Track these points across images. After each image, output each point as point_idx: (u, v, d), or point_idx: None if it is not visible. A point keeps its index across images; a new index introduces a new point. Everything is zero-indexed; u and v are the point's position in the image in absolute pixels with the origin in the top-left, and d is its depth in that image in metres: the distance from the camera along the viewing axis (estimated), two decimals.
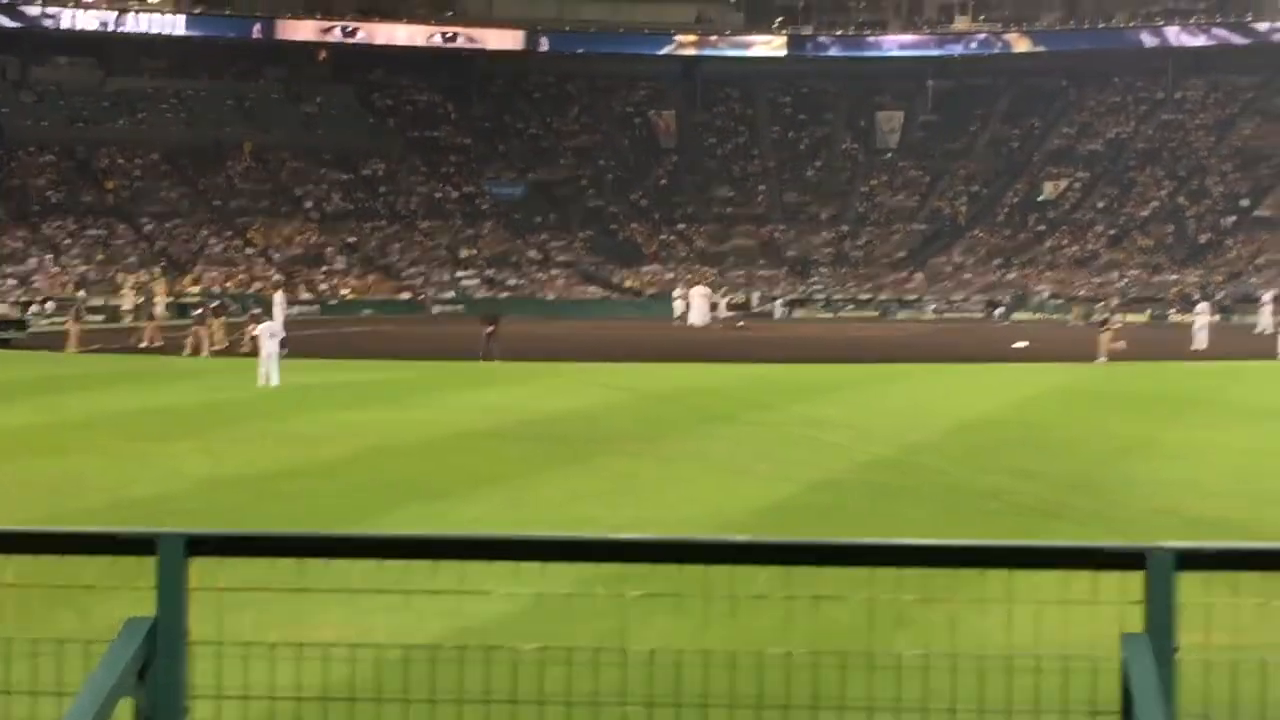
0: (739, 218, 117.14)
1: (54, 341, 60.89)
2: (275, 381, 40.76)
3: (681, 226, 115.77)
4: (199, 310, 62.36)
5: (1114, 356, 53.69)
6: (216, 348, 57.01)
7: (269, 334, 42.04)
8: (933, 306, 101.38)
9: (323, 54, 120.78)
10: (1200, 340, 62.41)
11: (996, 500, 21.63)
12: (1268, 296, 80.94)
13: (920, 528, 19.05)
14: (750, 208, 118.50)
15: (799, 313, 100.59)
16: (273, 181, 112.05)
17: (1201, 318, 65.77)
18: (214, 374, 46.55)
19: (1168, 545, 5.02)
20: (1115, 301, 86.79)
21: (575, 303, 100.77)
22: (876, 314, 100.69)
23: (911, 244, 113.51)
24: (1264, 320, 75.61)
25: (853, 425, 31.93)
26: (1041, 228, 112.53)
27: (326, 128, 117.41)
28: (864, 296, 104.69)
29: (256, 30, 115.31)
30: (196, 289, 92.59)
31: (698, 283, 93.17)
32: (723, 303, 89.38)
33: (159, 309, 71.99)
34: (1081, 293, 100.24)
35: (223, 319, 60.85)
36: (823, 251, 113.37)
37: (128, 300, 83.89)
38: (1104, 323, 58.44)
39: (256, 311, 60.61)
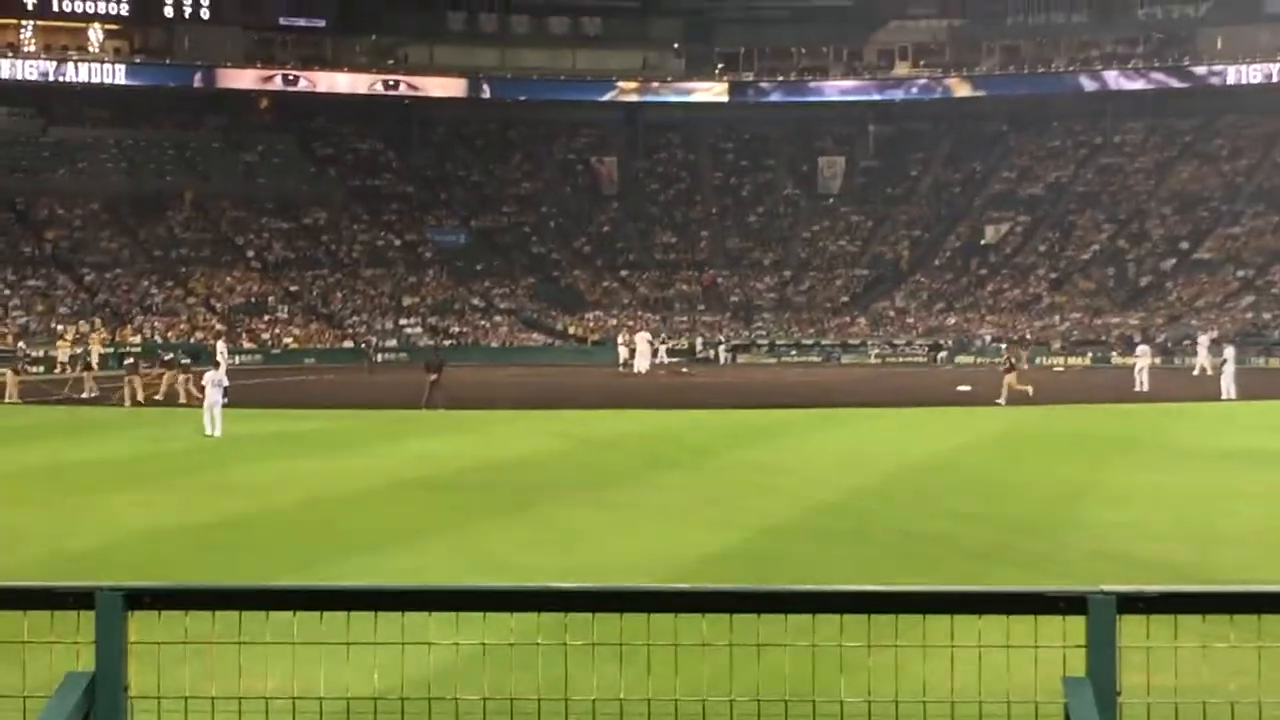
0: (682, 263, 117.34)
1: None
2: (218, 431, 40.59)
3: (624, 273, 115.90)
4: (129, 361, 62.12)
5: (1014, 400, 53.78)
6: (141, 398, 56.93)
7: (213, 383, 41.87)
8: (876, 351, 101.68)
9: (264, 102, 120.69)
10: (1142, 382, 62.76)
11: (942, 544, 21.65)
12: (1204, 338, 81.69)
13: (866, 572, 19.07)
14: (693, 253, 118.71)
15: (743, 358, 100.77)
16: (214, 230, 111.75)
17: (1142, 360, 66.14)
18: (154, 424, 46.30)
19: (1109, 589, 5.04)
20: (1021, 346, 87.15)
21: (519, 349, 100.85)
22: (820, 359, 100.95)
23: (854, 288, 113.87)
24: (1201, 361, 76.22)
25: (798, 470, 31.96)
26: (983, 271, 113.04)
27: (268, 176, 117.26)
28: (807, 341, 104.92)
29: (198, 79, 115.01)
30: (137, 339, 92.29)
31: (641, 329, 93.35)
32: (663, 349, 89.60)
33: (95, 359, 71.59)
34: (1026, 335, 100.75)
35: (152, 371, 60.59)
36: (766, 296, 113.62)
37: (63, 351, 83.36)
38: (1009, 366, 58.43)
39: (186, 361, 60.57)
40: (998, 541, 21.89)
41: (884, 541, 22.00)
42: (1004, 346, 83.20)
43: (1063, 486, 28.91)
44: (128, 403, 56.11)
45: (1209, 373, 71.48)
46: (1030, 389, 54.80)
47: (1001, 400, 54.29)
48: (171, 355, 65.50)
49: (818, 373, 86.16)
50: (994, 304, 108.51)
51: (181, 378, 58.37)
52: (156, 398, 56.80)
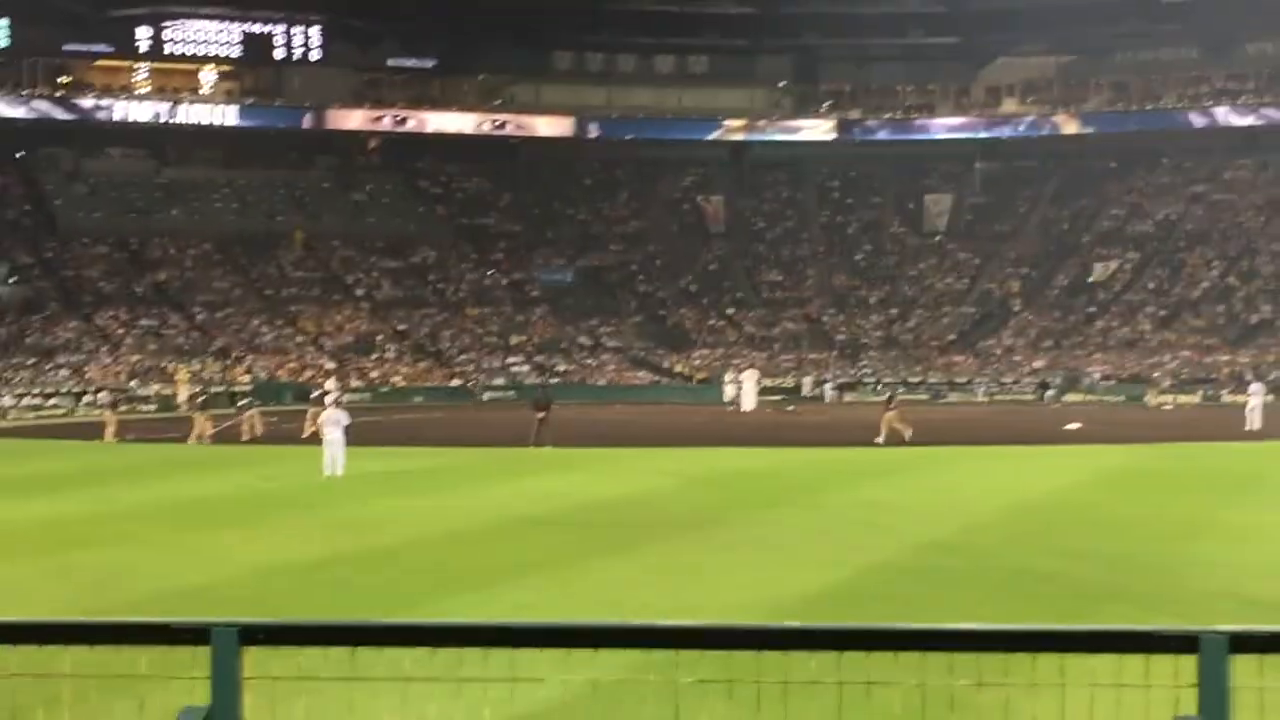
0: (788, 302, 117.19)
1: (97, 431, 61.23)
2: (340, 470, 40.64)
3: (730, 311, 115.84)
4: (243, 401, 62.79)
5: (892, 440, 53.10)
6: (210, 434, 57.61)
7: (332, 421, 41.91)
8: (983, 389, 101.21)
9: (373, 142, 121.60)
10: (1254, 420, 62.09)
11: (1052, 583, 21.51)
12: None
13: (975, 610, 18.97)
14: (799, 291, 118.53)
15: (849, 396, 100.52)
16: (323, 269, 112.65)
17: (1255, 398, 65.38)
18: (267, 463, 46.64)
19: (1221, 629, 5.01)
20: (899, 386, 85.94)
21: (625, 388, 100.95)
22: (927, 396, 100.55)
23: (961, 326, 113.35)
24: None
25: (905, 508, 31.84)
26: (1092, 309, 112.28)
27: (377, 215, 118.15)
28: (914, 379, 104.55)
29: (307, 120, 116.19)
30: (248, 378, 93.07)
31: (748, 367, 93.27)
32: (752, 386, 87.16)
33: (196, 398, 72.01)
34: (1155, 374, 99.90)
35: (210, 411, 60.97)
36: (872, 335, 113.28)
37: (183, 391, 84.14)
38: (889, 402, 57.59)
39: (243, 403, 61.46)
40: (1111, 580, 21.73)
41: (994, 580, 21.88)
42: (882, 385, 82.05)
43: (1176, 525, 28.68)
44: (191, 440, 56.75)
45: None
46: (909, 430, 54.01)
47: (880, 439, 53.58)
48: (248, 397, 66.32)
49: (925, 411, 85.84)
50: (1102, 342, 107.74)
51: (252, 413, 59.10)
52: (242, 438, 57.37)
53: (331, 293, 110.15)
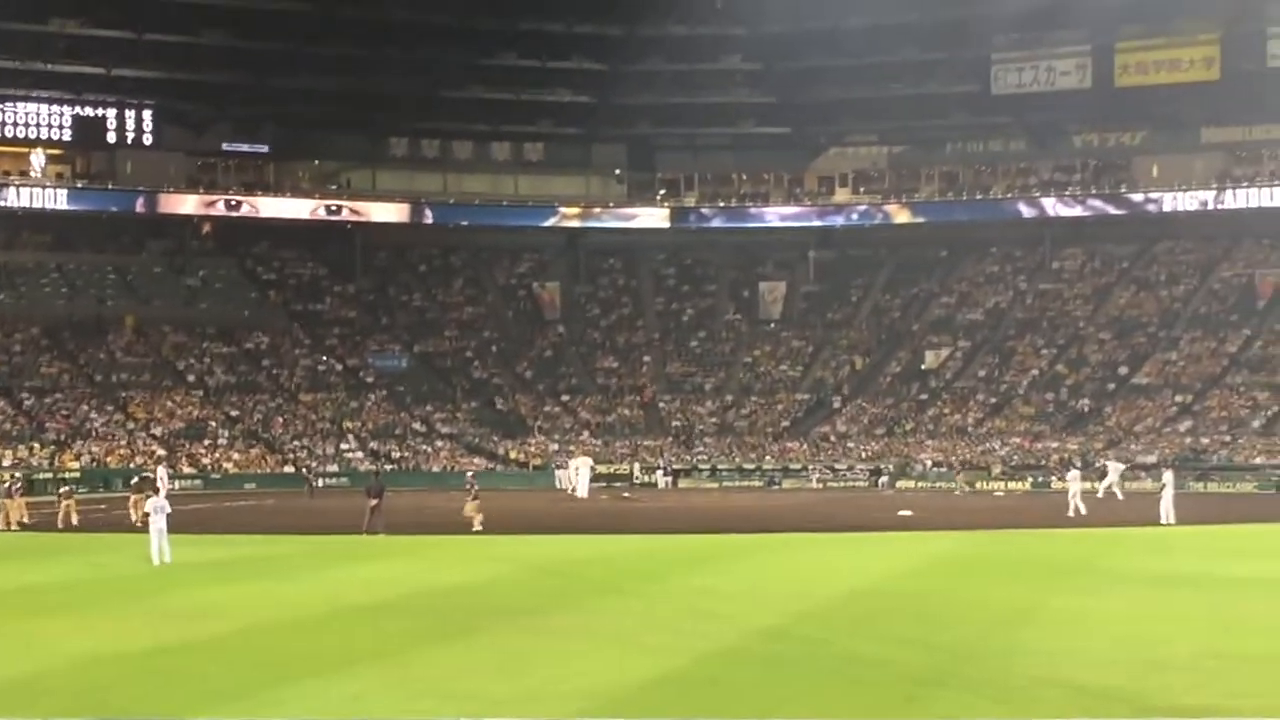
0: (624, 388, 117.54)
1: None
2: (168, 558, 40.08)
3: (566, 397, 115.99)
4: (4, 484, 61.88)
5: (474, 528, 53.20)
6: (21, 521, 56.95)
7: (156, 509, 41.38)
8: (817, 475, 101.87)
9: (206, 227, 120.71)
10: (1076, 506, 62.91)
11: (883, 669, 21.62)
12: (1114, 464, 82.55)
13: (809, 699, 19.07)
14: (634, 378, 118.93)
15: (684, 483, 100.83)
16: (154, 355, 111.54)
17: (1074, 484, 66.36)
18: (95, 550, 45.92)
19: None
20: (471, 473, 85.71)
21: (460, 474, 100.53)
22: (761, 483, 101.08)
23: (795, 413, 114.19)
24: (1111, 485, 76.93)
25: (741, 595, 31.89)
26: (924, 396, 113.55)
27: (209, 300, 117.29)
28: (748, 466, 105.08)
29: (139, 204, 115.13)
30: (77, 464, 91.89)
31: (582, 453, 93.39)
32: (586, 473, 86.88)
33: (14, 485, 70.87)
34: (965, 457, 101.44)
35: (21, 496, 59.94)
36: (707, 421, 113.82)
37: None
38: (469, 492, 57.57)
39: (63, 490, 60.89)
40: (941, 667, 21.86)
41: (827, 666, 21.96)
42: (469, 474, 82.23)
43: (1005, 611, 28.93)
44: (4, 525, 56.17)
45: (1119, 497, 72.87)
46: (479, 520, 53.88)
47: (477, 527, 53.70)
48: (67, 484, 65.57)
49: (759, 497, 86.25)
50: (934, 429, 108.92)
51: (66, 503, 58.32)
52: (59, 525, 56.57)
53: (162, 378, 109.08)
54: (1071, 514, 61.28)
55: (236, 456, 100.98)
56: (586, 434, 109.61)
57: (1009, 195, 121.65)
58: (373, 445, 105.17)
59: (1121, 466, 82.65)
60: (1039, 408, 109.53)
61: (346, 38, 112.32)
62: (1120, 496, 74.67)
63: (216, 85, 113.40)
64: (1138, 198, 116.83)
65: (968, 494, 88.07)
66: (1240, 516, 62.03)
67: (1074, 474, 69.62)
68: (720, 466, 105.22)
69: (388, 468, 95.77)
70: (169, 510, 41.60)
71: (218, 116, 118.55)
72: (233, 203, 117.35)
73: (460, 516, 54.53)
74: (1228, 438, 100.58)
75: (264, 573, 37.81)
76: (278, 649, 24.17)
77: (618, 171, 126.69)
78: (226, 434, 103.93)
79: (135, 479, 65.57)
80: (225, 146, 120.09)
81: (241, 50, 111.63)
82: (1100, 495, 75.06)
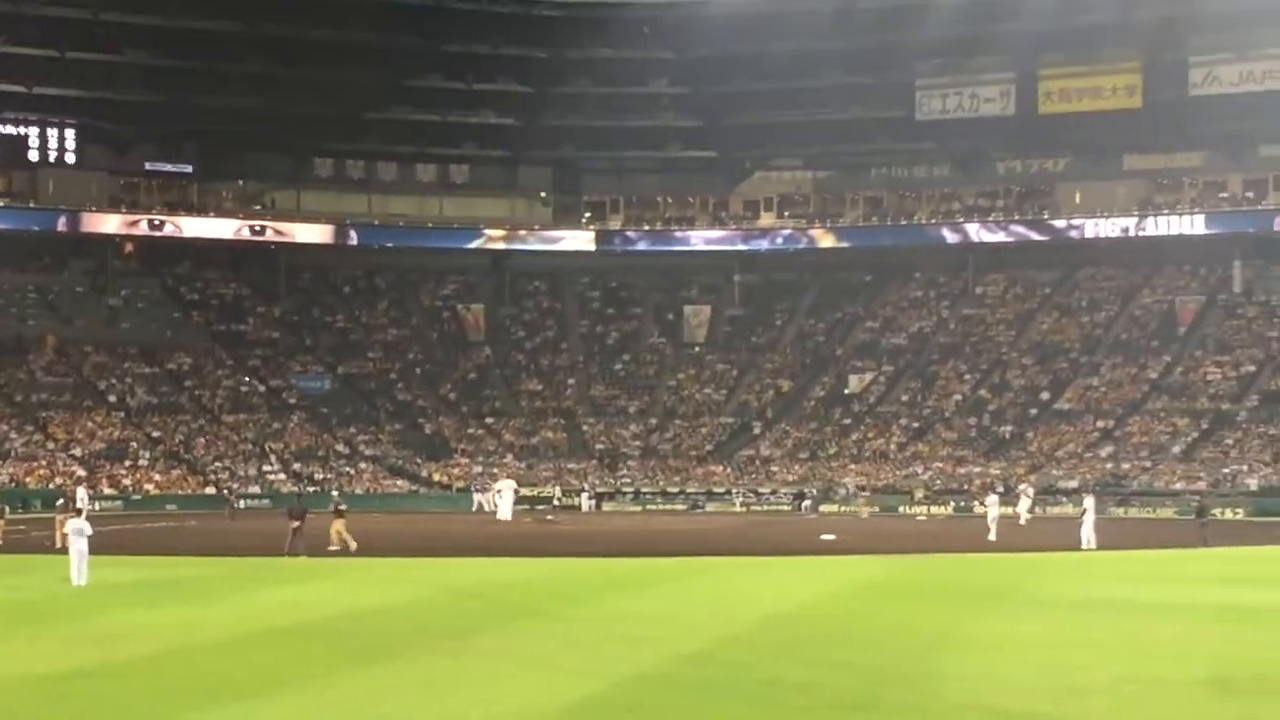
0: (547, 411, 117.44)
1: None
2: (85, 580, 39.84)
3: (490, 420, 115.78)
4: None
5: (343, 551, 53.16)
6: None
7: (76, 531, 41.08)
8: (741, 499, 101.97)
9: (129, 247, 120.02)
10: (994, 532, 63.24)
11: (806, 694, 21.65)
12: (1026, 488, 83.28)
13: None
14: (559, 401, 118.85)
15: (608, 505, 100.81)
16: (76, 375, 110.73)
17: (992, 509, 66.72)
18: (13, 572, 45.52)
19: None
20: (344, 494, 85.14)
21: (383, 496, 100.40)
22: (685, 506, 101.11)
23: (719, 437, 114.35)
24: (1022, 511, 77.69)
25: (663, 619, 31.88)
26: (847, 421, 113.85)
27: (131, 321, 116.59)
28: (672, 489, 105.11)
29: (61, 223, 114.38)
30: None
31: (505, 476, 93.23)
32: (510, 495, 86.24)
33: None
34: (883, 482, 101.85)
35: None
36: (631, 444, 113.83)
37: None
38: (338, 512, 57.65)
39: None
40: (864, 691, 21.92)
41: (750, 691, 21.98)
42: (335, 494, 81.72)
43: (927, 636, 29.03)
44: None
45: (1022, 522, 73.69)
46: (347, 540, 54.05)
47: (335, 546, 53.71)
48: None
49: (682, 521, 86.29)
50: (858, 453, 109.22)
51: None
52: None
53: (83, 398, 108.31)
54: (991, 538, 61.64)
55: (158, 477, 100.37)
56: (510, 456, 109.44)
57: (933, 221, 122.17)
58: (295, 467, 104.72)
59: (1032, 491, 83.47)
60: (962, 432, 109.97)
61: (271, 58, 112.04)
62: (1022, 522, 75.37)
63: (140, 105, 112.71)
64: (1060, 224, 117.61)
65: (871, 517, 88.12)
66: (1160, 542, 62.40)
67: (993, 499, 70.08)
68: (644, 489, 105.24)
69: (310, 490, 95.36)
70: (89, 532, 41.31)
71: (141, 136, 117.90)
72: (156, 222, 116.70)
73: (335, 541, 54.18)
74: (1148, 463, 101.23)
75: (185, 595, 37.58)
76: (199, 672, 24.01)
77: (543, 194, 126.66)
78: (148, 455, 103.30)
79: (60, 500, 65.08)
80: (148, 166, 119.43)
81: (165, 69, 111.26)
82: (1022, 522, 75.61)
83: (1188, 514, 74.68)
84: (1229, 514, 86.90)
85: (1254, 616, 32.63)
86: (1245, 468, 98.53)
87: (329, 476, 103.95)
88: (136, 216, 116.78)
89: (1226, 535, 64.32)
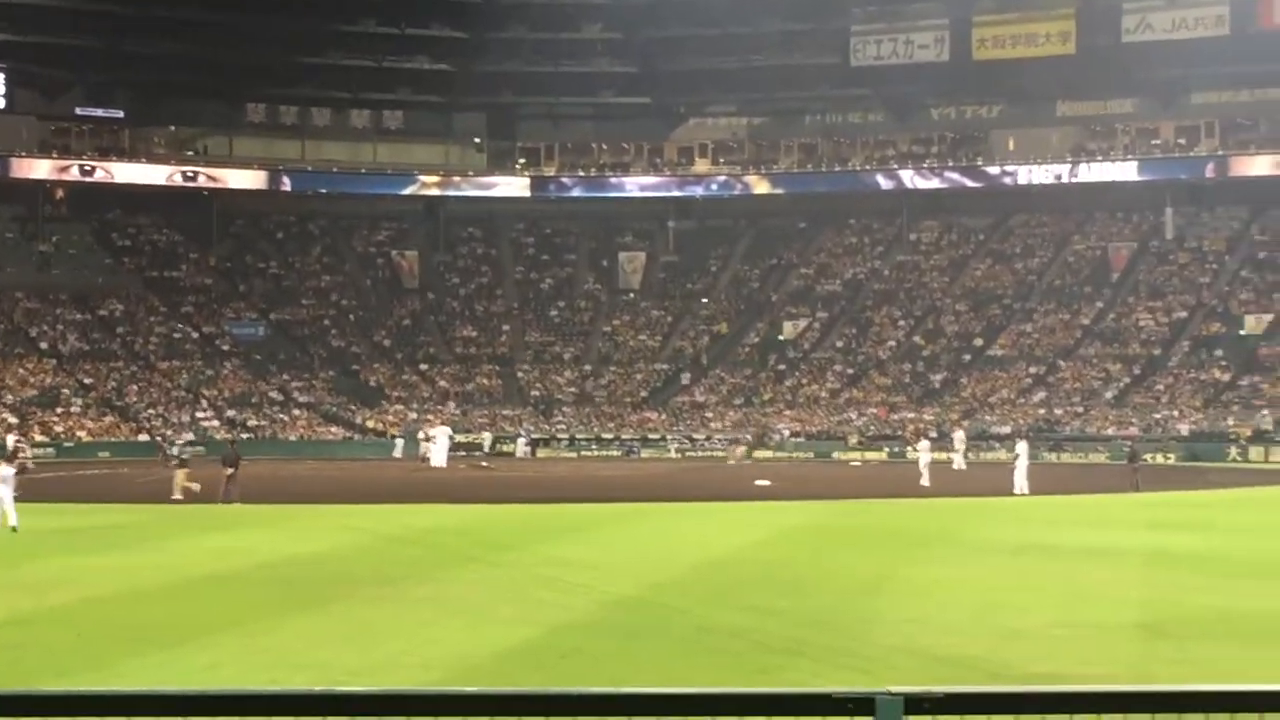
0: (482, 358, 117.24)
1: None
2: (14, 522, 39.67)
3: (424, 367, 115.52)
4: None
5: (188, 497, 52.96)
6: None
7: (2, 478, 40.92)
8: (676, 445, 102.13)
9: (59, 193, 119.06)
10: (926, 477, 63.52)
11: (740, 639, 21.69)
12: (959, 434, 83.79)
13: (664, 668, 19.08)
14: (493, 348, 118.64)
15: (542, 452, 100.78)
16: (6, 322, 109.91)
17: (924, 455, 67.02)
18: None
19: (895, 690, 5.08)
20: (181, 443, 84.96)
21: (317, 443, 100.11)
22: (620, 453, 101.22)
23: (654, 383, 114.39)
24: (957, 457, 78.32)
25: (597, 565, 31.90)
26: (782, 367, 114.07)
27: (63, 267, 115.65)
28: (607, 435, 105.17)
29: None
30: None
31: (440, 423, 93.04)
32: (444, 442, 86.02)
33: None
34: (817, 428, 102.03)
35: None
36: (566, 391, 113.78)
37: None
38: (180, 463, 57.64)
39: None
40: (797, 636, 21.97)
41: (683, 636, 22.01)
42: (177, 446, 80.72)
43: (860, 581, 29.14)
44: None
45: (959, 466, 74.35)
46: (198, 485, 53.63)
47: (178, 495, 53.55)
48: None
49: (618, 467, 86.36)
50: (792, 399, 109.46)
51: None
52: None
53: (14, 345, 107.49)
54: (926, 484, 61.90)
55: (90, 425, 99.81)
56: (452, 405, 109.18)
57: (867, 167, 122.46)
58: (229, 414, 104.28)
59: (965, 436, 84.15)
60: (896, 378, 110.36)
61: (204, 2, 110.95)
62: (960, 466, 76.06)
63: (70, 49, 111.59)
64: (994, 170, 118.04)
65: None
66: (1092, 487, 62.80)
67: (925, 444, 70.36)
68: (579, 436, 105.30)
69: (244, 437, 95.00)
70: (12, 474, 41.23)
71: (72, 80, 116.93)
72: (87, 168, 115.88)
73: (177, 490, 53.79)
74: (1080, 409, 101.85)
75: (117, 542, 37.41)
76: (130, 619, 23.91)
77: (477, 140, 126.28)
78: (80, 402, 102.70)
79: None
80: (79, 111, 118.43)
81: (96, 13, 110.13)
82: (959, 466, 76.12)
83: (1119, 459, 75.11)
84: (1160, 459, 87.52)
85: (1183, 561, 32.88)
86: (1176, 413, 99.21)
87: (263, 424, 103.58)
88: (67, 162, 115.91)
89: (1157, 480, 64.73)
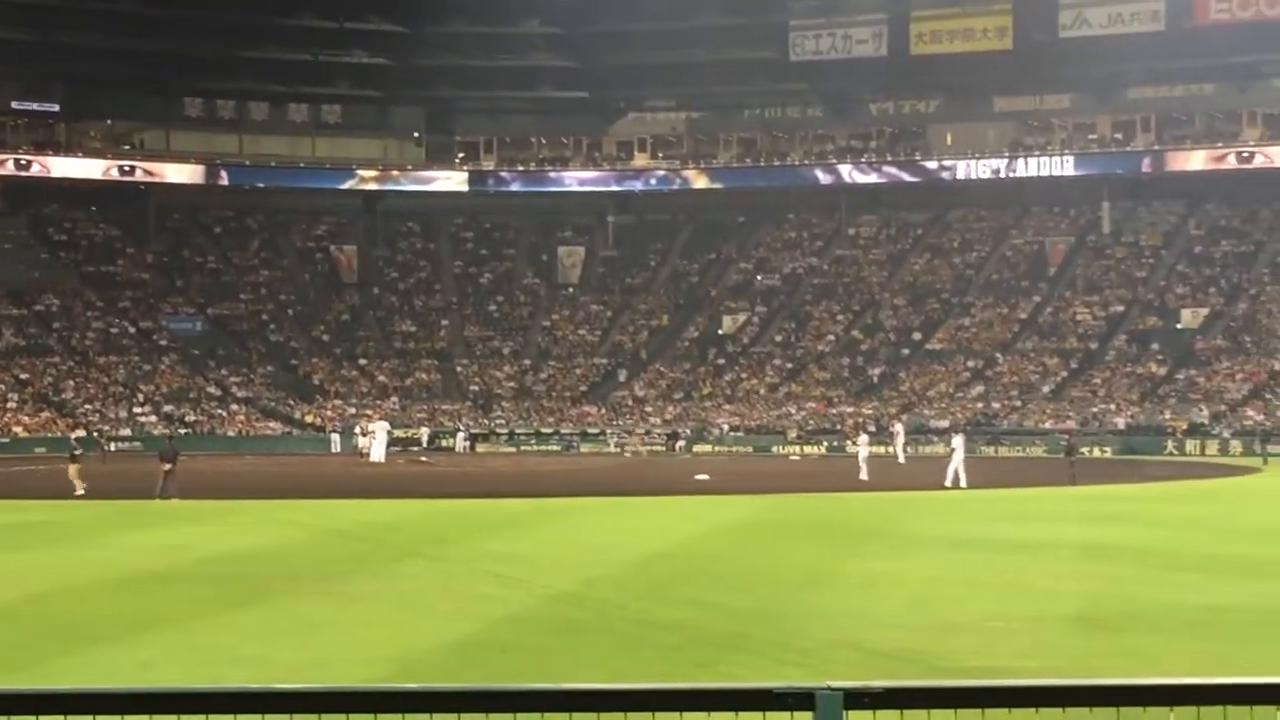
0: (421, 352, 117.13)
1: None
2: None
3: (363, 361, 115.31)
4: None
5: (87, 494, 52.75)
6: None
7: None
8: (615, 439, 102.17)
9: None
10: (865, 471, 63.69)
11: (679, 633, 21.69)
12: (899, 427, 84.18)
13: (603, 663, 19.07)
14: (432, 342, 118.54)
15: (482, 447, 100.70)
16: None
17: (863, 449, 67.22)
18: None
19: (835, 685, 5.10)
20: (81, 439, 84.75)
21: (255, 439, 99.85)
22: (559, 447, 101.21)
23: (593, 377, 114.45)
24: (899, 449, 78.86)
25: (536, 560, 31.87)
26: (721, 361, 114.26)
27: None
28: (546, 430, 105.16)
29: None
30: None
31: (379, 418, 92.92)
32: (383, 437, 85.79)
33: None
34: (756, 422, 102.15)
35: None
36: (505, 385, 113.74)
37: None
38: (72, 456, 57.84)
39: None
40: (736, 630, 21.98)
41: (622, 631, 22.01)
42: (74, 439, 79.45)
43: (799, 575, 29.18)
44: None
45: (901, 460, 74.70)
46: (80, 485, 53.63)
47: (80, 489, 53.40)
48: None
49: (557, 462, 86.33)
50: (731, 393, 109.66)
51: None
52: None
53: None
54: (863, 477, 62.06)
55: (26, 420, 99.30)
56: (391, 399, 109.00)
57: (806, 162, 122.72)
58: (167, 409, 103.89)
59: (903, 429, 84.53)
60: (834, 372, 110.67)
61: None
62: (901, 460, 76.50)
63: (4, 42, 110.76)
64: (932, 165, 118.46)
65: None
66: (1029, 480, 63.16)
67: (864, 438, 70.56)
68: (518, 430, 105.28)
69: (181, 432, 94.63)
70: None
71: (6, 74, 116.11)
72: (22, 162, 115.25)
73: (77, 483, 53.67)
74: (1018, 403, 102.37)
75: (53, 538, 37.22)
76: (66, 616, 23.77)
77: (416, 134, 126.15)
78: (16, 397, 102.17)
79: None
80: (14, 105, 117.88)
81: (30, 6, 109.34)
82: (901, 460, 76.52)
83: (1057, 453, 75.61)
84: (1097, 452, 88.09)
85: (1120, 554, 33.04)
86: (1113, 407, 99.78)
87: (201, 419, 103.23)
88: (2, 156, 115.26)
89: (1094, 474, 65.13)
